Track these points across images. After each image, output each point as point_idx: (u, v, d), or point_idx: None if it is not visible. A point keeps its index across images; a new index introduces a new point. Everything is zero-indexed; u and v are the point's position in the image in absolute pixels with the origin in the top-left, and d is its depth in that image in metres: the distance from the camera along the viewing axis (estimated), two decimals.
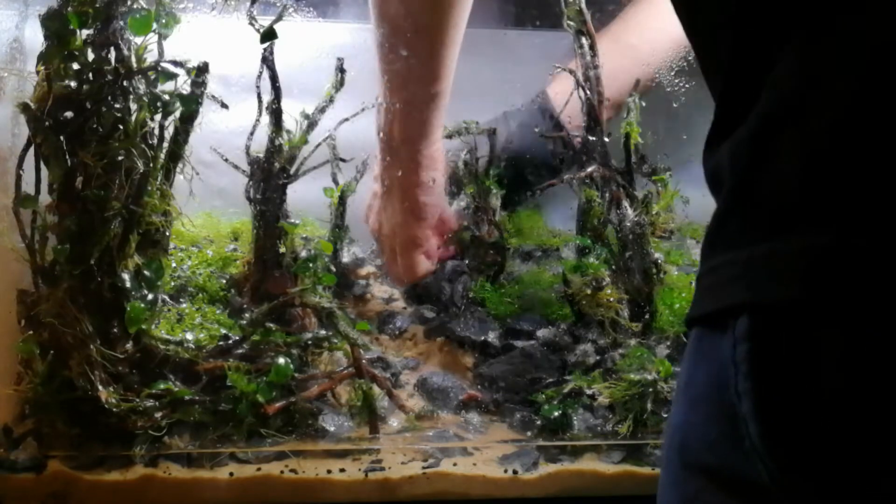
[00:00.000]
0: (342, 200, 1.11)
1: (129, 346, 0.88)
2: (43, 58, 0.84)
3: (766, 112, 0.45)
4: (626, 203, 1.05)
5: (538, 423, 0.97)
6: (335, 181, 1.11)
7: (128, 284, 0.87)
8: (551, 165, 1.16)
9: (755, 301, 0.44)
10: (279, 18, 0.93)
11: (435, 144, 1.06)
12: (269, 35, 0.93)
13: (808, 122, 0.43)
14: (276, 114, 0.97)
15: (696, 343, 0.50)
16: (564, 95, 1.10)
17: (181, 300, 0.98)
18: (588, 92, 1.06)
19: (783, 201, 0.43)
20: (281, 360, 0.91)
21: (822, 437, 0.41)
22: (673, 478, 0.51)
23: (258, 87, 0.97)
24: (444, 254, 1.15)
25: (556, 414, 0.95)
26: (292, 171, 0.99)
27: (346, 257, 1.17)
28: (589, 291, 1.03)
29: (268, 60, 0.96)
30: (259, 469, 0.87)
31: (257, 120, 0.98)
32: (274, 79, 0.96)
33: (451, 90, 1.17)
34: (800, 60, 0.44)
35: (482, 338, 1.06)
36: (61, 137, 0.84)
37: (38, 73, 0.85)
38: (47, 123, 0.84)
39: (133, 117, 0.86)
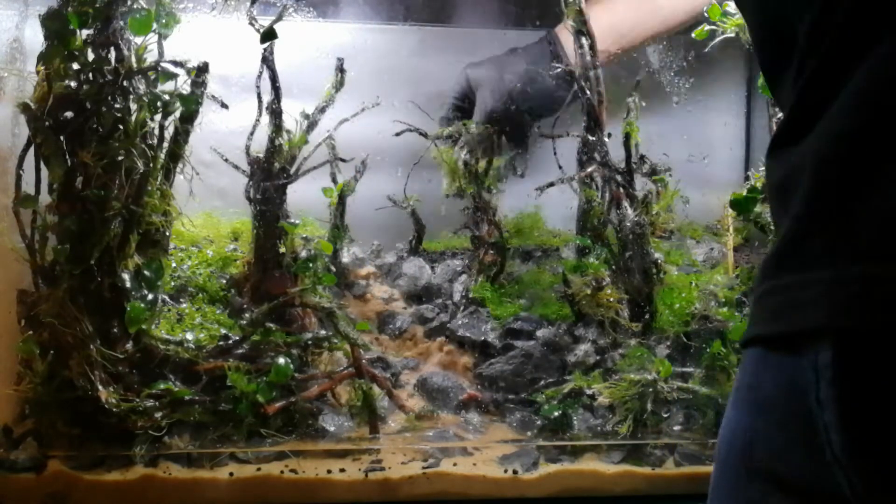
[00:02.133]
0: (341, 200, 1.11)
1: (129, 346, 0.88)
2: (43, 58, 0.84)
3: (864, 129, 0.44)
4: (626, 203, 1.05)
5: (538, 423, 0.97)
6: (334, 181, 1.11)
7: (128, 284, 0.87)
8: (553, 104, 1.13)
9: (844, 323, 0.43)
10: (279, 18, 0.93)
11: None
12: (269, 35, 0.93)
13: None
14: (276, 114, 0.97)
15: (762, 352, 0.49)
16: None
17: (181, 300, 0.98)
18: (588, 92, 1.06)
19: (885, 227, 0.42)
20: (281, 360, 0.91)
21: None
22: (733, 482, 0.50)
23: (258, 87, 0.97)
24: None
25: (556, 414, 0.95)
26: (292, 171, 0.99)
27: (346, 257, 1.17)
28: (589, 291, 1.03)
29: (268, 60, 0.96)
30: (259, 469, 0.87)
31: (257, 120, 0.98)
32: (274, 79, 0.96)
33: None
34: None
35: (482, 338, 1.06)
36: (61, 137, 0.84)
37: (38, 73, 0.85)
38: (47, 123, 0.84)
39: (133, 117, 0.86)
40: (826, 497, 0.44)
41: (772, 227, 1.03)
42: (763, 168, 1.06)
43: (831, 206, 0.45)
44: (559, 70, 1.09)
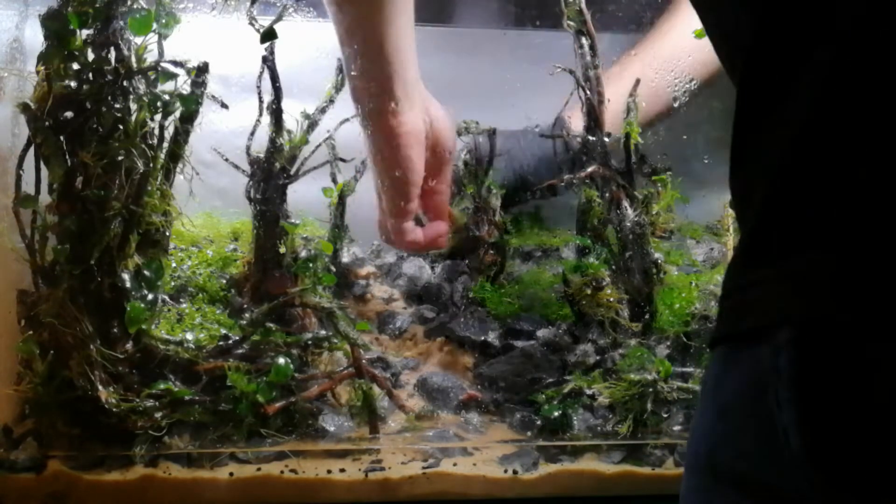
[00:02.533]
0: (341, 200, 1.11)
1: (129, 346, 0.88)
2: (43, 58, 0.84)
3: (809, 122, 0.44)
4: (626, 203, 1.05)
5: (538, 423, 0.97)
6: (334, 181, 1.11)
7: (128, 284, 0.87)
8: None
9: (804, 316, 0.43)
10: (279, 18, 0.93)
11: (398, 117, 0.96)
12: (269, 35, 0.93)
13: (858, 132, 0.42)
14: (276, 114, 0.97)
15: (726, 354, 0.49)
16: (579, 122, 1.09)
17: (181, 300, 0.98)
18: (588, 92, 1.06)
19: (842, 212, 0.43)
20: (281, 360, 0.91)
21: (868, 451, 0.41)
22: (700, 487, 0.51)
23: (258, 87, 0.97)
24: (435, 237, 1.09)
25: (556, 414, 0.95)
26: (293, 171, 0.99)
27: (346, 257, 1.17)
28: (589, 291, 1.03)
29: (268, 60, 0.96)
30: (259, 469, 0.87)
31: (258, 120, 0.98)
32: (274, 79, 0.96)
33: (450, 89, 1.17)
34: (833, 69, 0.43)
35: (482, 338, 1.06)
36: (61, 137, 0.84)
37: (38, 73, 0.85)
38: (47, 123, 0.84)
39: (133, 117, 0.86)
40: (785, 497, 0.44)
41: None
42: None
43: (788, 202, 0.46)
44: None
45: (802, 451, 0.42)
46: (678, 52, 1.14)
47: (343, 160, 1.09)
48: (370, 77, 0.94)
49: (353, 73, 0.95)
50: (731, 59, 0.54)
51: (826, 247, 0.43)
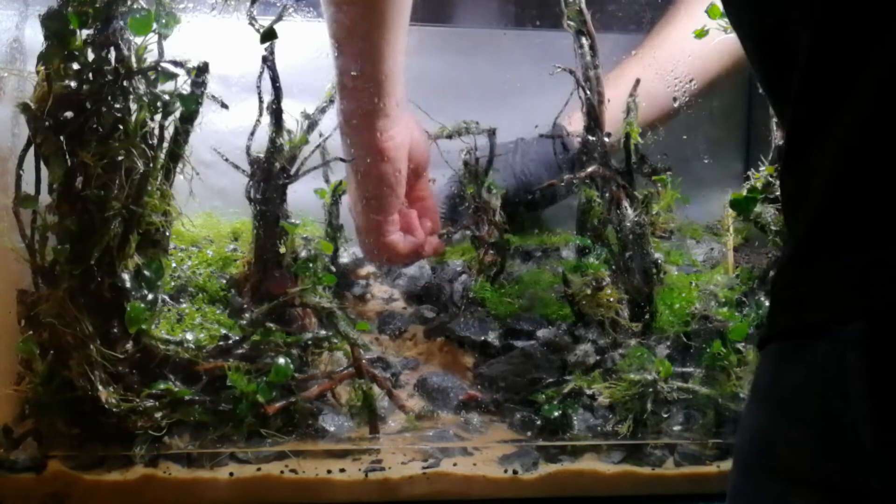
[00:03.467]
0: (335, 200, 1.12)
1: (129, 346, 0.88)
2: (43, 58, 0.84)
3: (872, 118, 0.44)
4: (626, 203, 1.05)
5: (538, 423, 0.97)
6: (327, 181, 1.11)
7: (128, 284, 0.87)
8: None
9: (874, 309, 0.43)
10: (279, 18, 0.93)
11: (382, 135, 1.00)
12: (269, 35, 0.93)
13: None
14: (276, 114, 0.97)
15: (782, 349, 0.49)
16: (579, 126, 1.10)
17: (181, 300, 0.98)
18: (588, 92, 1.06)
19: None
20: (281, 360, 0.91)
21: None
22: (752, 483, 0.50)
23: (258, 87, 0.97)
24: (436, 246, 1.14)
25: (556, 414, 0.95)
26: (293, 171, 0.99)
27: (345, 257, 1.17)
28: (589, 291, 1.03)
29: (268, 60, 0.96)
30: (259, 469, 0.87)
31: (258, 120, 0.98)
32: (274, 79, 0.96)
33: (450, 89, 1.17)
34: None
35: (482, 338, 1.06)
36: (61, 137, 0.84)
37: (38, 73, 0.85)
38: (47, 123, 0.84)
39: (133, 117, 0.86)
40: (849, 493, 0.44)
41: (772, 228, 1.03)
42: (763, 168, 1.06)
43: (854, 192, 0.45)
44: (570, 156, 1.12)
45: (874, 445, 0.42)
46: (678, 54, 1.14)
47: (343, 160, 1.10)
48: (364, 94, 0.98)
49: (344, 90, 0.97)
50: (764, 51, 0.54)
51: (890, 243, 0.43)
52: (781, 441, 0.48)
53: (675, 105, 1.14)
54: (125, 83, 0.86)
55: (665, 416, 0.97)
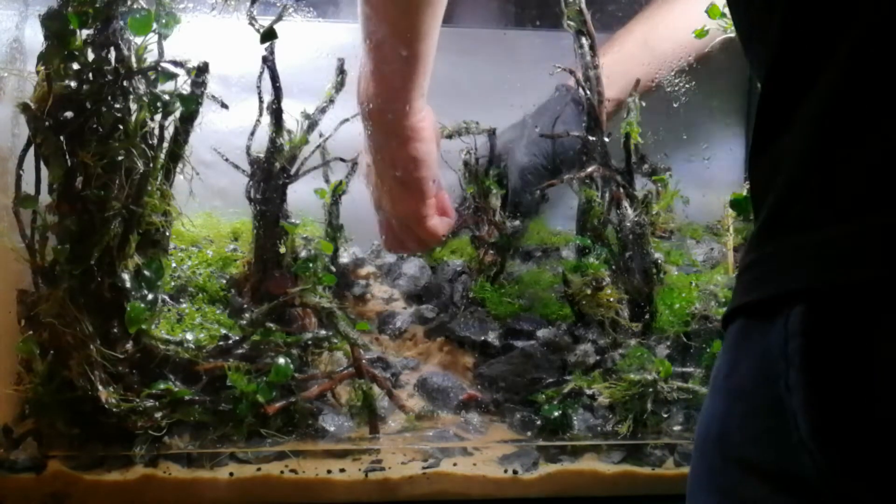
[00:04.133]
0: (335, 200, 1.12)
1: (129, 346, 0.88)
2: (43, 58, 0.84)
3: (832, 101, 0.44)
4: (626, 203, 1.05)
5: (538, 423, 0.97)
6: (327, 181, 1.11)
7: (128, 284, 0.87)
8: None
9: (818, 284, 0.42)
10: (279, 18, 0.93)
11: (417, 115, 0.98)
12: (269, 35, 0.93)
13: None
14: (276, 114, 0.97)
15: (739, 334, 0.49)
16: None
17: (181, 300, 0.98)
18: (588, 92, 1.06)
19: (868, 180, 0.42)
20: (281, 360, 0.91)
21: (878, 437, 0.41)
22: (708, 470, 0.51)
23: (258, 87, 0.97)
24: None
25: (556, 414, 0.95)
26: (293, 171, 0.99)
27: (345, 257, 1.17)
28: (589, 291, 1.03)
29: (268, 60, 0.96)
30: (259, 469, 0.87)
31: (258, 120, 0.98)
32: (274, 79, 0.96)
33: (450, 89, 1.17)
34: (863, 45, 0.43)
35: (482, 338, 1.06)
36: (61, 137, 0.84)
37: (38, 73, 0.85)
38: (47, 123, 0.84)
39: (133, 117, 0.86)
40: (793, 481, 0.44)
41: None
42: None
43: (812, 170, 0.45)
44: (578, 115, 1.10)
45: (810, 436, 0.42)
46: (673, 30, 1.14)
47: (343, 160, 1.10)
48: (401, 73, 0.95)
49: (376, 70, 0.95)
50: (751, 35, 0.54)
51: (844, 219, 0.42)
52: (735, 429, 0.48)
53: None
54: (125, 83, 0.86)
55: (665, 416, 0.97)
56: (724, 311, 0.51)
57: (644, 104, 1.07)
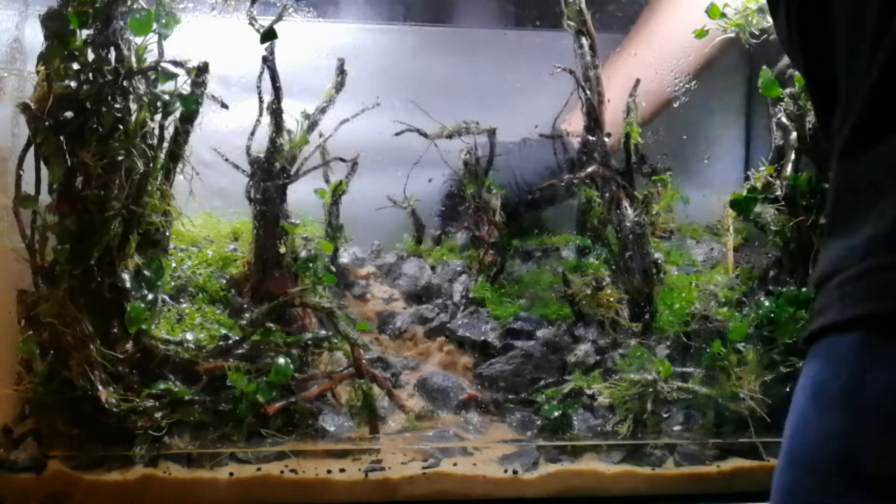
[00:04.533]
0: (335, 200, 1.12)
1: (129, 346, 0.88)
2: (43, 58, 0.84)
3: None
4: (626, 203, 1.05)
5: (538, 423, 0.97)
6: (327, 181, 1.11)
7: (128, 284, 0.87)
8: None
9: None
10: (279, 18, 0.93)
11: None
12: (269, 35, 0.93)
13: None
14: (276, 114, 0.97)
15: (865, 346, 0.46)
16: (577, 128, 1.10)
17: (181, 300, 0.98)
18: (588, 92, 1.06)
19: None
20: (281, 360, 0.91)
21: None
22: (823, 492, 0.47)
23: (258, 87, 0.97)
24: None
25: (556, 414, 0.95)
26: (293, 171, 0.99)
27: (345, 257, 1.17)
28: (589, 291, 1.03)
29: (268, 60, 0.96)
30: (259, 469, 0.87)
31: (258, 120, 0.98)
32: (274, 79, 0.96)
33: (450, 89, 1.18)
34: None
35: (482, 338, 1.06)
36: (61, 137, 0.84)
37: (38, 73, 0.85)
38: (47, 123, 0.84)
39: (133, 117, 0.86)
40: None
41: (772, 228, 1.03)
42: (763, 168, 1.06)
43: None
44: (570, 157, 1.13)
45: None
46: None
47: (343, 160, 1.10)
48: None
49: None
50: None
51: None
52: (866, 448, 0.45)
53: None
54: (125, 83, 0.86)
55: (665, 416, 0.97)
56: (818, 322, 0.48)
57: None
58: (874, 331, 0.45)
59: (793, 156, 1.05)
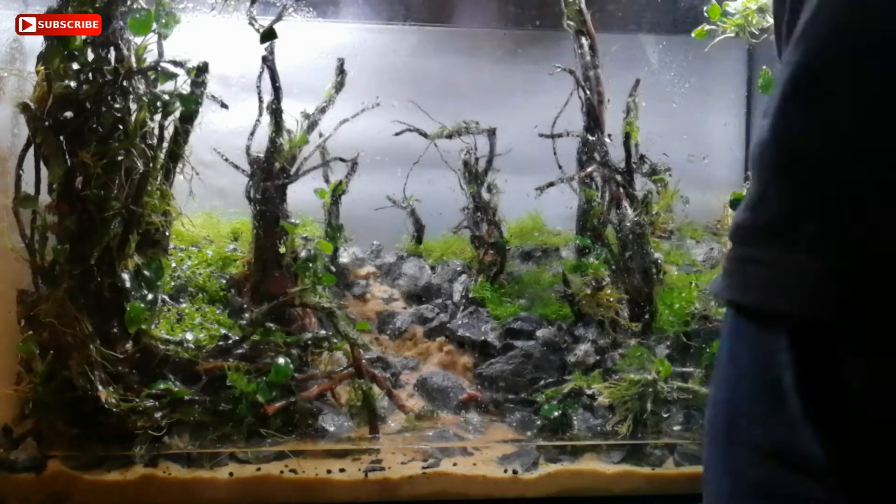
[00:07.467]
0: (335, 200, 1.12)
1: (129, 346, 0.88)
2: (43, 58, 0.84)
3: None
4: (626, 203, 1.05)
5: (538, 423, 0.97)
6: (326, 181, 1.12)
7: (128, 284, 0.87)
8: None
9: (822, 316, 0.44)
10: (279, 18, 0.93)
11: None
12: (269, 35, 0.93)
13: None
14: (276, 114, 0.97)
15: (736, 325, 0.50)
16: None
17: (181, 300, 0.98)
18: (588, 92, 1.06)
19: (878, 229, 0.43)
20: (281, 360, 0.91)
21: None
22: (720, 455, 0.52)
23: (258, 87, 0.97)
24: None
25: (556, 414, 0.95)
26: (293, 171, 0.99)
27: (345, 257, 1.17)
28: (589, 291, 1.03)
29: (268, 60, 0.96)
30: (259, 469, 0.87)
31: (258, 120, 0.98)
32: (274, 79, 0.96)
33: (450, 89, 1.17)
34: None
35: (482, 338, 1.06)
36: (61, 137, 0.84)
37: (38, 73, 0.85)
38: (47, 123, 0.84)
39: (133, 117, 0.86)
40: (796, 461, 0.46)
41: None
42: None
43: (831, 196, 0.45)
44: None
45: (805, 414, 0.44)
46: None
47: (343, 160, 1.10)
48: None
49: None
50: None
51: (844, 254, 0.43)
52: (741, 413, 0.50)
53: None
54: (125, 83, 0.86)
55: (665, 416, 0.97)
56: (717, 285, 0.51)
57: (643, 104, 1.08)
58: (741, 314, 0.49)
59: None
